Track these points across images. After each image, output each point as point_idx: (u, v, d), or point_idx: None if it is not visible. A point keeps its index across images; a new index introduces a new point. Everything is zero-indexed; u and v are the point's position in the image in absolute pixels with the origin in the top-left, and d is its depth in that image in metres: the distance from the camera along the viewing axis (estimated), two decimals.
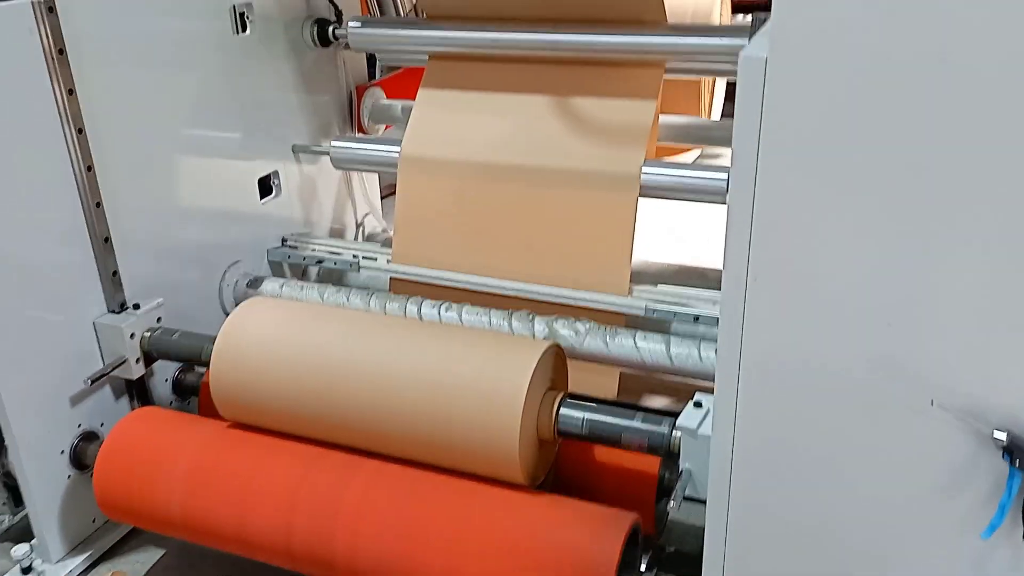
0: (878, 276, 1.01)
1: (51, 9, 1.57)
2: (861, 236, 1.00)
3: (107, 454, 1.70)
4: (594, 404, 1.56)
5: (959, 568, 1.08)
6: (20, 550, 1.77)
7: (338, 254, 2.27)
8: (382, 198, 2.84)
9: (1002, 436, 0.97)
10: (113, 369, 1.81)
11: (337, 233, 2.60)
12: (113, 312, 1.83)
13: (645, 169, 1.97)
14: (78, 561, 1.83)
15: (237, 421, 1.70)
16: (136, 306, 1.85)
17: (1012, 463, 0.96)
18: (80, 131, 1.66)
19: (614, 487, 1.68)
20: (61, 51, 1.61)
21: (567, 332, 1.92)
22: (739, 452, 1.15)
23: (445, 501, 1.51)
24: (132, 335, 1.82)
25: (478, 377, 1.50)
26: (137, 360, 1.84)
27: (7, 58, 1.54)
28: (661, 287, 2.04)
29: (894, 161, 0.96)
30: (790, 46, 0.95)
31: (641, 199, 1.97)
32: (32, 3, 1.54)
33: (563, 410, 1.54)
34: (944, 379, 1.00)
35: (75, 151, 1.67)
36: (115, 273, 1.82)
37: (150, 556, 1.89)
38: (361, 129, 2.56)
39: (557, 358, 1.61)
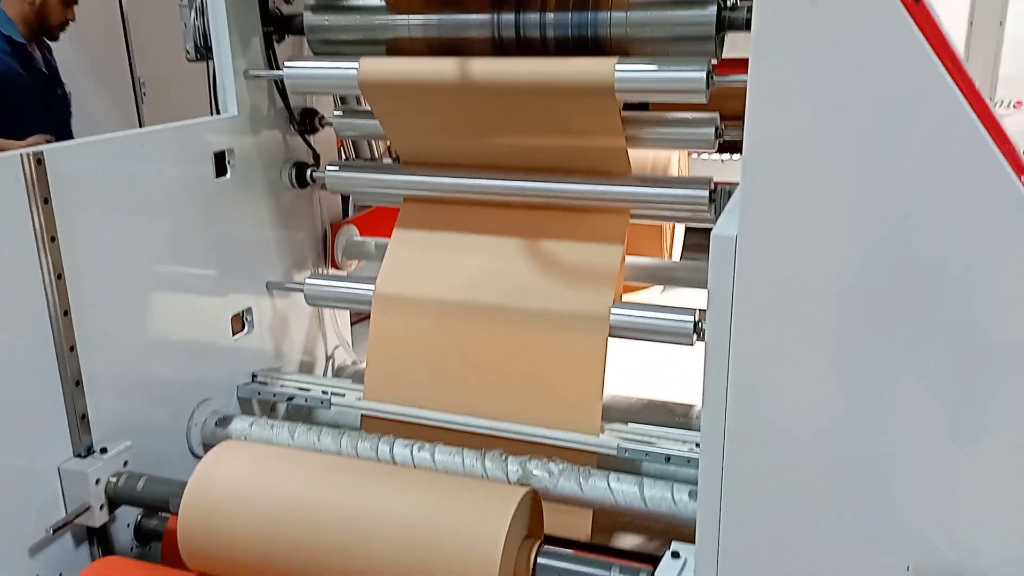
0: (849, 437, 1.05)
1: (39, 161, 1.61)
2: (830, 397, 1.05)
3: None
4: (570, 554, 1.55)
5: None
6: None
7: (308, 390, 2.27)
8: (352, 323, 2.85)
9: None
10: (76, 517, 1.76)
11: (307, 366, 2.60)
12: (79, 456, 1.79)
13: (614, 310, 2.03)
14: None
15: (204, 572, 1.65)
16: (103, 450, 1.82)
17: None
18: (59, 277, 1.68)
19: None
20: (46, 200, 1.64)
21: (541, 473, 1.92)
22: None
23: None
24: (97, 481, 1.78)
25: (454, 529, 1.49)
26: (101, 507, 1.80)
27: None
28: (632, 425, 2.06)
29: (857, 331, 1.01)
30: (757, 227, 1.01)
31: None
32: (21, 155, 1.58)
33: (540, 560, 1.53)
34: (917, 542, 1.03)
35: (53, 296, 1.67)
36: (84, 416, 1.80)
37: None
38: (335, 265, 2.60)
39: (533, 504, 1.61)
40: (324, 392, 2.24)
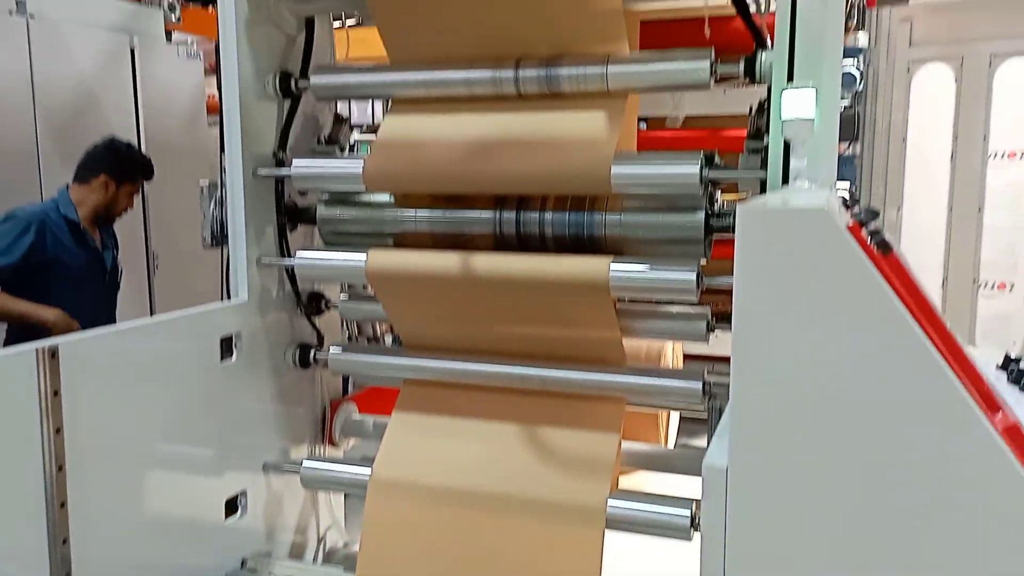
0: None
1: (53, 354, 1.66)
2: None
3: None
4: None
5: None
6: None
7: None
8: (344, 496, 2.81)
9: None
10: None
11: (299, 547, 2.54)
12: None
13: (610, 502, 2.02)
14: None
15: None
16: None
17: None
18: (60, 468, 1.69)
19: None
20: (56, 392, 1.68)
21: None
22: None
23: None
24: None
25: None
26: None
27: (2, 403, 1.61)
28: None
29: (848, 566, 1.02)
30: (746, 458, 1.05)
31: None
32: (36, 349, 1.64)
33: None
34: None
35: (52, 488, 1.68)
36: None
37: None
38: (332, 442, 2.61)
39: None
40: None
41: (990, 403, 1.02)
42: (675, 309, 2.11)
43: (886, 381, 0.99)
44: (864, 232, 1.15)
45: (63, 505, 1.70)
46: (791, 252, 1.00)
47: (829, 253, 0.99)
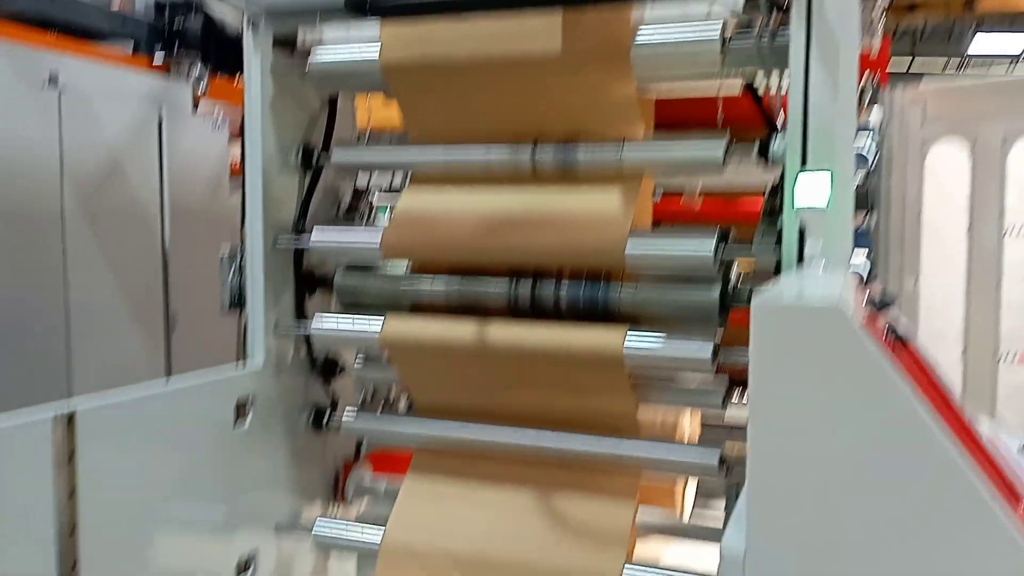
0: None
1: (70, 420, 1.69)
2: None
3: None
4: None
5: None
6: None
7: None
8: None
9: None
10: None
11: None
12: None
13: (627, 570, 2.00)
14: None
15: None
16: None
17: None
18: (72, 531, 1.70)
19: None
20: (71, 457, 1.70)
21: None
22: None
23: None
24: None
25: None
26: None
27: (14, 474, 1.63)
28: None
29: None
30: (763, 546, 1.04)
31: None
32: (54, 416, 1.66)
33: None
34: None
35: (62, 552, 1.68)
36: None
37: None
38: (344, 502, 2.60)
39: None
40: None
41: (1012, 494, 1.01)
42: (691, 381, 2.11)
43: (903, 478, 0.99)
44: (881, 323, 1.16)
45: (74, 568, 1.70)
46: (806, 349, 1.02)
47: (844, 351, 1.00)
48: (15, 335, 3.29)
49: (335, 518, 2.47)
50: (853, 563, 1.01)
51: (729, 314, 2.00)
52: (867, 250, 4.22)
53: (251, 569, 2.28)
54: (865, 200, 4.10)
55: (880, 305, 1.18)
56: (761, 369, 1.04)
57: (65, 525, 1.69)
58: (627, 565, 2.01)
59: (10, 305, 3.27)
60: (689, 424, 2.74)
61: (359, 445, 2.76)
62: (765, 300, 1.06)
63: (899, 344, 1.04)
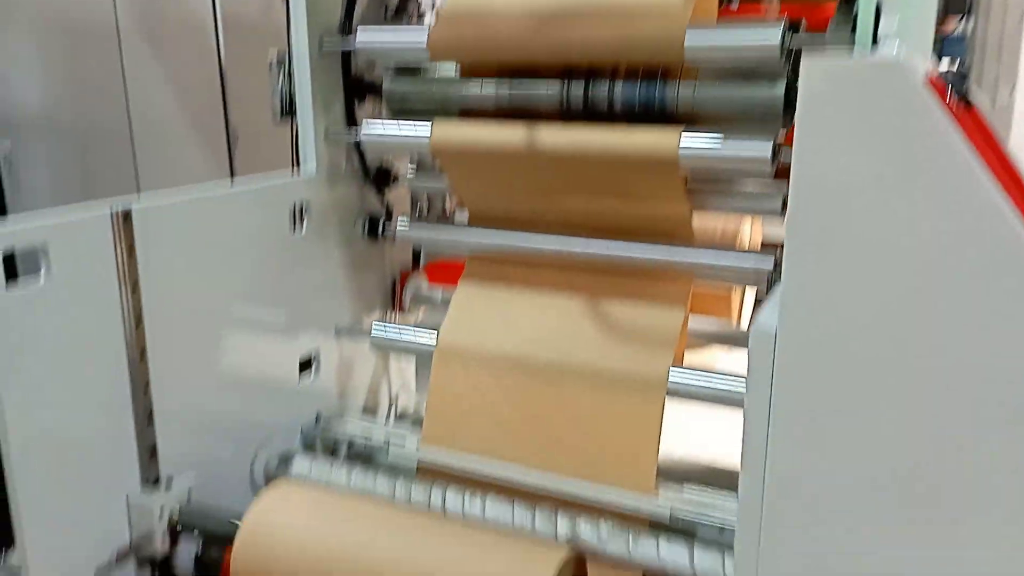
0: (893, 522, 1.03)
1: (127, 217, 1.74)
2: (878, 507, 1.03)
3: None
4: None
5: None
6: None
7: (368, 436, 2.33)
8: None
9: None
10: (140, 545, 1.85)
11: (370, 409, 2.67)
12: (146, 487, 1.89)
13: (672, 372, 2.03)
14: None
15: None
16: (169, 482, 1.91)
17: None
18: (138, 322, 1.79)
19: None
20: (131, 249, 1.76)
21: (590, 533, 1.92)
22: None
23: None
24: (162, 512, 1.87)
25: None
26: (164, 537, 1.88)
27: (83, 262, 1.72)
28: (687, 490, 2.04)
29: (898, 429, 1.00)
30: (797, 322, 1.02)
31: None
32: (111, 212, 1.72)
33: None
34: None
35: (131, 340, 1.79)
36: (152, 450, 1.90)
37: None
38: (402, 311, 2.68)
39: (577, 567, 1.62)
40: (384, 438, 2.30)
41: None
42: (750, 186, 2.04)
43: (955, 247, 0.93)
44: (948, 89, 1.06)
45: (143, 355, 1.81)
46: (858, 107, 0.94)
47: (902, 107, 0.92)
48: (82, 145, 3.38)
49: (392, 323, 2.56)
50: (894, 342, 0.98)
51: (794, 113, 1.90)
52: (958, 59, 3.91)
53: (313, 369, 2.41)
54: (962, 3, 3.75)
55: (950, 78, 1.07)
56: (806, 132, 0.98)
57: (131, 315, 1.78)
58: (672, 368, 2.03)
59: (75, 119, 3.34)
60: (749, 236, 2.69)
61: (416, 256, 2.81)
62: (816, 58, 0.98)
63: (965, 106, 0.95)
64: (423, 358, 2.42)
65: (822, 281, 1.00)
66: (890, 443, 0.99)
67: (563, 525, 1.93)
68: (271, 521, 1.70)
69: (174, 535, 1.91)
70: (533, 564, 1.54)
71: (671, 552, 1.87)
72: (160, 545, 1.88)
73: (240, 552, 1.67)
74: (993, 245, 0.91)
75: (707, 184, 2.06)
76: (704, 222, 2.13)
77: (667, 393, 2.03)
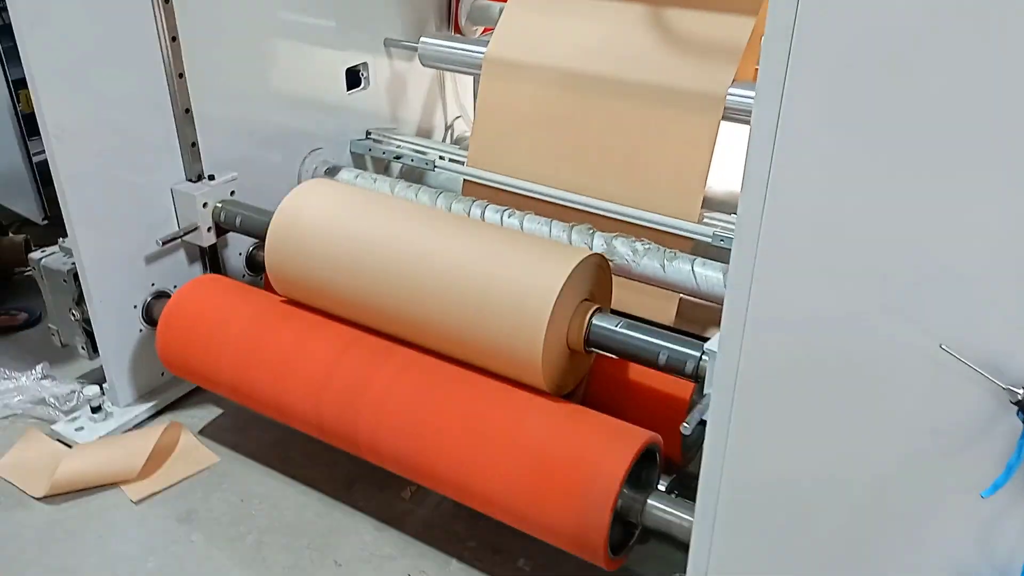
0: (889, 218, 0.92)
1: None
2: (874, 174, 0.91)
3: (169, 312, 1.81)
4: (628, 320, 1.53)
5: (962, 531, 1.01)
6: (91, 391, 1.92)
7: (420, 153, 2.29)
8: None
9: (1019, 392, 0.89)
10: (185, 234, 1.91)
11: (424, 133, 2.61)
12: (190, 181, 1.92)
13: (731, 91, 1.87)
14: (143, 408, 1.98)
15: (289, 297, 1.77)
16: (211, 177, 1.93)
17: None
18: (174, 39, 1.76)
19: (645, 409, 1.66)
20: None
21: (625, 250, 1.87)
22: (742, 385, 1.09)
23: (467, 396, 1.53)
24: (205, 204, 1.91)
25: (512, 277, 1.49)
26: (208, 229, 1.94)
27: None
28: (735, 217, 1.95)
29: (911, 106, 0.86)
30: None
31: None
32: None
33: (595, 321, 1.52)
34: (957, 330, 0.92)
35: (162, 22, 1.74)
36: (194, 144, 1.91)
37: (208, 413, 2.02)
38: (458, 29, 2.53)
39: (600, 270, 1.58)
40: (434, 155, 2.25)
41: None
42: None
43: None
44: None
45: (174, 39, 1.77)
46: None
47: None
48: None
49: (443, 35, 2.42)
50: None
51: None
52: None
53: (363, 81, 2.33)
54: None
55: None
56: None
57: (167, 34, 1.74)
58: (731, 88, 1.86)
59: None
60: None
61: None
62: None
63: None
64: (471, 71, 2.30)
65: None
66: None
67: (599, 243, 1.88)
68: (305, 203, 1.69)
69: (219, 229, 1.96)
70: (554, 258, 1.50)
71: (705, 272, 1.81)
72: (205, 236, 1.93)
73: (275, 231, 1.68)
74: None
75: None
76: None
77: (724, 112, 1.88)
